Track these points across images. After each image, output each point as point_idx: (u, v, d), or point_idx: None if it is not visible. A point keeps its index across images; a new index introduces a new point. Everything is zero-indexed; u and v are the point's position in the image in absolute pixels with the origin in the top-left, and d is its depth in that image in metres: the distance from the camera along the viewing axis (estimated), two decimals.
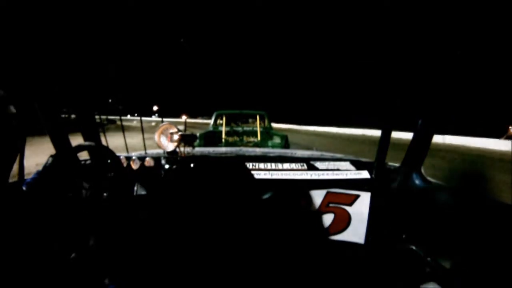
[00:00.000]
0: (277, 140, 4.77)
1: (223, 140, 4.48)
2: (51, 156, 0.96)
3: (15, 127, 0.66)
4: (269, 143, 4.72)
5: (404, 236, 1.29)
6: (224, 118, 4.77)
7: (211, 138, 4.50)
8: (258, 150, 2.09)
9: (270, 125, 5.15)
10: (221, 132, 4.57)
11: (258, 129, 4.75)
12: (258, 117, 4.88)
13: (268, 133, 4.87)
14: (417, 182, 1.34)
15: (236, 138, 4.65)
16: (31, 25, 0.92)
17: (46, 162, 0.95)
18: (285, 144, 4.64)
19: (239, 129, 4.87)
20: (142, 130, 1.80)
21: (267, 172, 1.47)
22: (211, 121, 5.14)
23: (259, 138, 4.70)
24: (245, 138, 4.74)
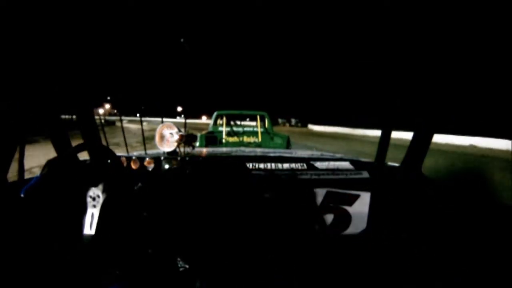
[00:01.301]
0: (278, 141, 4.73)
1: (223, 141, 4.45)
2: (49, 161, 0.96)
3: (12, 124, 0.67)
4: (271, 144, 4.68)
5: (404, 236, 1.29)
6: (224, 119, 4.74)
7: (212, 139, 4.48)
8: (258, 150, 2.09)
9: (271, 126, 5.09)
10: (221, 132, 4.55)
11: (259, 130, 4.73)
12: (258, 117, 4.84)
13: (269, 134, 4.83)
14: (417, 182, 1.34)
15: (237, 139, 4.62)
16: (32, 25, 0.92)
17: (44, 167, 0.94)
18: (287, 145, 4.62)
19: (240, 129, 4.84)
20: (142, 131, 1.80)
21: (266, 172, 1.47)
22: (211, 122, 5.10)
23: (260, 139, 4.67)
24: (245, 139, 4.70)
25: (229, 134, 4.61)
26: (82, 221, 1.02)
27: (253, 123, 5.20)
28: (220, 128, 4.73)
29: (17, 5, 0.84)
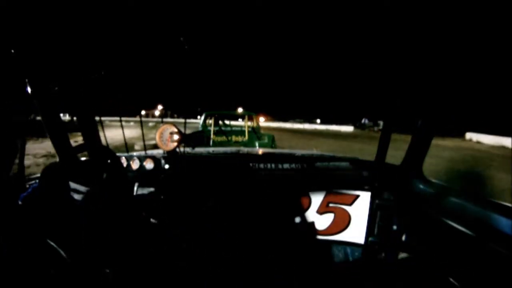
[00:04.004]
0: (264, 140, 4.97)
1: (211, 141, 4.59)
2: (45, 168, 0.96)
3: (14, 125, 0.66)
4: (257, 143, 4.87)
5: (404, 236, 1.29)
6: (213, 119, 4.92)
7: (200, 138, 4.63)
8: (258, 150, 2.09)
9: (258, 126, 5.33)
10: (209, 131, 4.69)
11: (246, 129, 4.89)
12: (246, 117, 5.07)
13: (255, 133, 5.03)
14: (417, 182, 1.34)
15: (224, 138, 4.77)
16: (32, 24, 0.92)
17: (41, 175, 0.94)
18: (272, 144, 4.90)
19: (227, 129, 5.01)
20: (143, 132, 1.79)
21: (267, 172, 1.47)
22: (201, 121, 5.35)
23: (246, 137, 4.83)
24: (233, 138, 4.87)
25: (217, 133, 4.76)
26: (80, 224, 1.02)
27: (242, 123, 5.44)
28: (209, 128, 4.90)
29: (17, 5, 0.84)
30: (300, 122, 40.83)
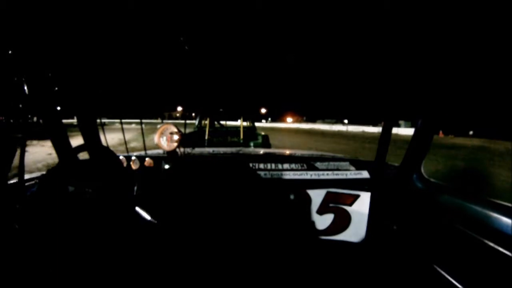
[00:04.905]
0: (259, 139, 5.11)
1: (205, 141, 4.65)
2: (48, 170, 0.96)
3: (13, 126, 0.67)
4: (251, 143, 4.96)
5: (403, 236, 1.28)
6: (208, 119, 4.99)
7: (195, 138, 4.72)
8: (259, 150, 2.09)
9: (254, 125, 5.46)
10: (204, 131, 4.78)
11: (241, 129, 4.97)
12: (242, 117, 5.16)
13: (251, 133, 5.12)
14: (416, 182, 1.34)
15: (220, 138, 4.81)
16: (31, 24, 0.92)
17: (42, 177, 0.94)
18: (266, 143, 5.00)
19: (223, 129, 5.08)
20: (143, 132, 1.80)
21: (267, 172, 1.47)
22: (196, 121, 5.42)
23: (241, 137, 4.91)
24: (228, 138, 4.91)
25: (212, 133, 4.85)
26: (80, 224, 1.02)
27: (238, 123, 5.57)
28: (204, 128, 4.92)
29: (17, 5, 0.84)
30: (331, 123, 36.60)
